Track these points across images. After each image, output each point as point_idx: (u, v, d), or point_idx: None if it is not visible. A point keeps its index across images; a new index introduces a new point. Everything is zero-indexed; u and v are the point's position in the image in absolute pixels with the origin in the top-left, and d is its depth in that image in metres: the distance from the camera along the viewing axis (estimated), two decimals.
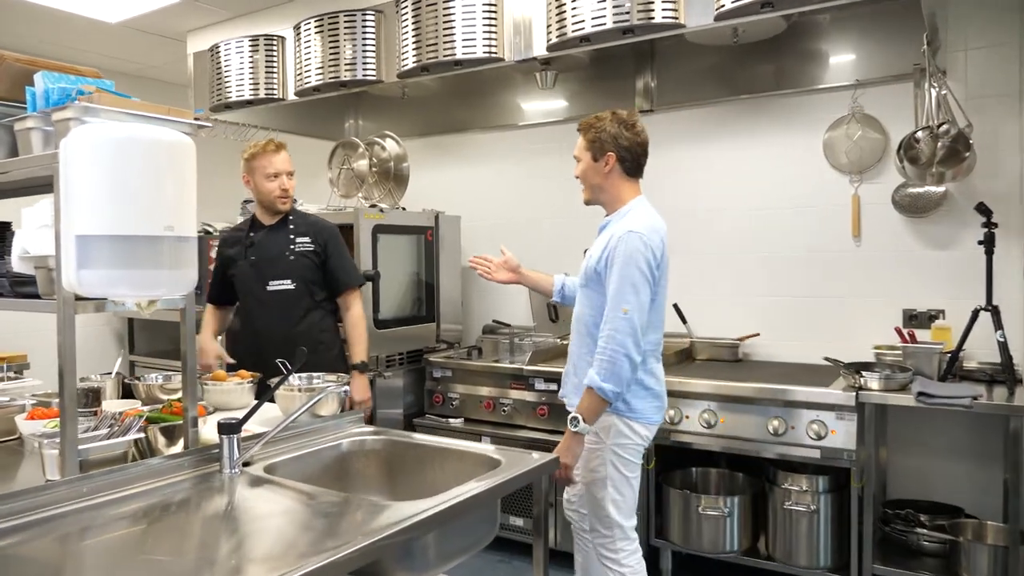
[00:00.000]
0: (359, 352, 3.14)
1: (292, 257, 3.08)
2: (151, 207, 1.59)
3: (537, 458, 1.94)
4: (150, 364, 4.83)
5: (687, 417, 3.11)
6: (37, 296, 1.78)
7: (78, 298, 1.64)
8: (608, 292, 2.35)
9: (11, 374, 2.94)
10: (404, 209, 3.97)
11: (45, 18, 3.99)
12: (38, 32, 4.32)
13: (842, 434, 2.84)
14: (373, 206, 3.77)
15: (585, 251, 2.59)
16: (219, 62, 3.89)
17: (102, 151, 1.53)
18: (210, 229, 4.48)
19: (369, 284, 3.58)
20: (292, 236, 3.11)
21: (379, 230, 3.68)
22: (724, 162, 3.75)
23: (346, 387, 2.20)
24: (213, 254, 4.30)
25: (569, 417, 2.36)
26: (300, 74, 3.63)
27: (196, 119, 1.92)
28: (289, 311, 3.08)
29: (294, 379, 2.43)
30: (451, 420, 3.77)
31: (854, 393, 2.82)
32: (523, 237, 4.23)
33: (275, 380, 2.16)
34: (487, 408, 3.66)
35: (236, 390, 2.48)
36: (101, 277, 1.54)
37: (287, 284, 3.07)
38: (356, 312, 3.17)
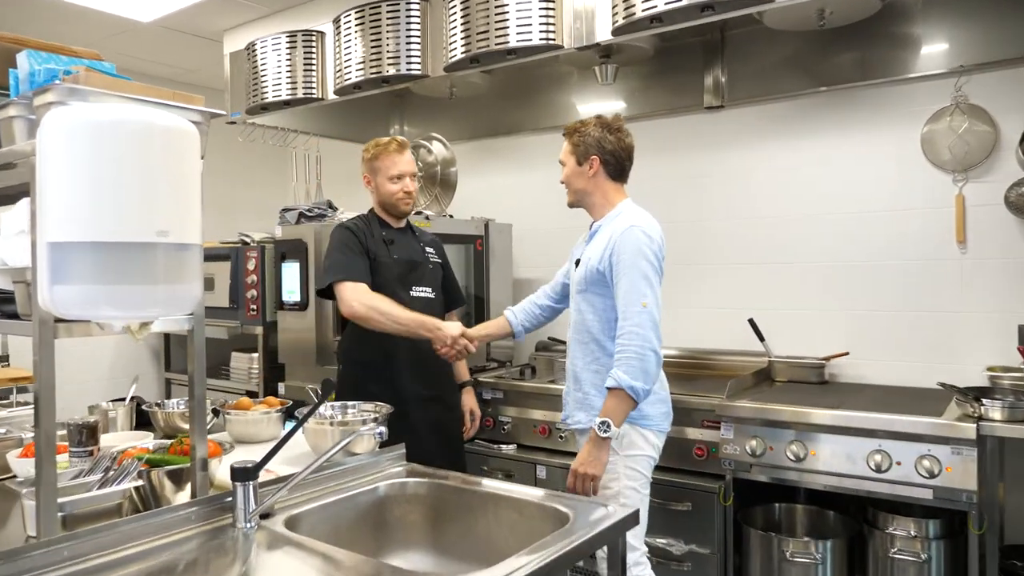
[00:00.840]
0: (465, 370, 3.17)
1: (430, 266, 2.98)
2: (141, 207, 1.26)
3: (613, 513, 1.58)
4: (186, 382, 4.58)
5: (770, 448, 2.70)
6: (17, 316, 1.48)
7: (60, 319, 1.34)
8: (618, 290, 2.30)
9: (21, 398, 2.67)
10: (451, 217, 3.66)
11: (74, 17, 3.78)
12: (67, 32, 4.12)
13: (959, 472, 2.41)
14: (418, 213, 3.46)
15: (577, 261, 2.52)
16: (255, 61, 3.62)
17: (79, 137, 1.22)
18: (248, 239, 4.22)
19: None
20: (422, 245, 3.00)
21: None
22: (805, 162, 3.35)
23: (382, 429, 1.86)
24: (250, 266, 4.03)
25: (598, 421, 2.24)
26: (340, 71, 3.34)
27: (211, 113, 1.58)
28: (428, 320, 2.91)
29: (325, 409, 2.11)
30: (502, 446, 3.42)
31: (974, 425, 2.40)
32: (575, 242, 3.88)
33: (304, 410, 1.83)
34: (542, 434, 3.30)
35: (262, 420, 2.18)
36: (78, 294, 1.23)
37: (428, 292, 2.95)
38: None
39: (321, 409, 2.01)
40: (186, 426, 2.31)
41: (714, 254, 3.53)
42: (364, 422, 1.99)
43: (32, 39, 1.67)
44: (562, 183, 2.53)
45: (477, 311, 3.73)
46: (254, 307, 4.02)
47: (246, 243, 4.19)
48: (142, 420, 2.37)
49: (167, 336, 4.79)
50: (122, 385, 4.85)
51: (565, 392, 2.56)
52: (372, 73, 3.18)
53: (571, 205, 2.56)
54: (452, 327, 2.73)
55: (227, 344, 4.25)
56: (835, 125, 3.27)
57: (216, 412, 2.20)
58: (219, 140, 5.49)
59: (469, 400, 3.16)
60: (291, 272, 3.65)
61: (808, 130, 3.34)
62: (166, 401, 2.47)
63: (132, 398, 2.38)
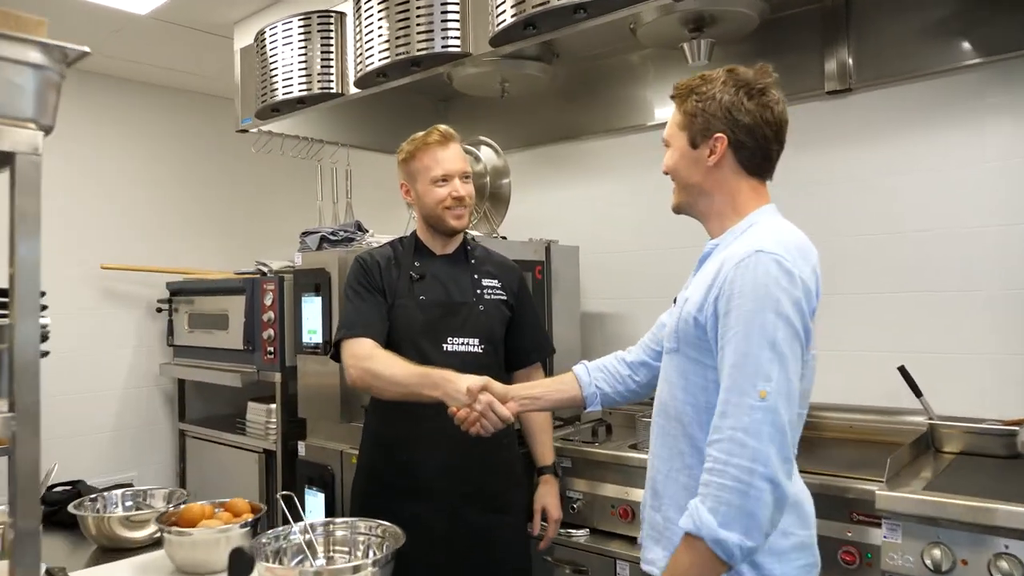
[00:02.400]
0: (548, 447, 2.39)
1: (482, 307, 2.18)
2: None
3: None
4: (202, 435, 3.92)
5: (964, 563, 1.85)
6: None
7: None
8: (724, 360, 1.39)
9: None
10: (505, 238, 2.92)
11: (71, 15, 3.18)
12: (63, 32, 3.54)
13: None
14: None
15: (674, 300, 1.65)
16: (264, 53, 2.96)
17: None
18: (265, 269, 3.55)
19: None
20: (477, 276, 2.22)
21: None
22: (968, 158, 2.50)
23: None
24: (267, 301, 3.36)
25: None
26: (361, 56, 2.63)
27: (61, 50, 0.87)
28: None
29: (298, 533, 1.35)
30: (572, 532, 2.62)
31: None
32: (661, 268, 3.09)
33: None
34: (623, 517, 2.49)
35: (216, 542, 1.43)
36: None
37: (472, 345, 2.14)
38: None
39: (295, 531, 1.26)
40: (127, 534, 1.60)
41: (844, 281, 2.69)
42: (357, 569, 1.23)
43: None
44: (665, 173, 1.65)
45: None
46: (271, 349, 3.35)
47: (263, 274, 3.52)
48: (68, 523, 1.67)
49: (181, 382, 4.15)
50: (135, 434, 4.22)
51: (641, 506, 1.69)
52: (399, 54, 2.45)
53: (677, 209, 1.67)
54: (467, 380, 1.85)
55: (242, 393, 3.58)
56: (1011, 106, 2.43)
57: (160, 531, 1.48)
58: (230, 152, 4.93)
59: (546, 495, 2.34)
60: (311, 308, 2.97)
61: (970, 115, 2.50)
62: (109, 495, 1.77)
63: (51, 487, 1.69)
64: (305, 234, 3.30)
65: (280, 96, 2.87)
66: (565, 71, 3.16)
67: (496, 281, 2.25)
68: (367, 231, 3.11)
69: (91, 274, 4.07)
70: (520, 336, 2.30)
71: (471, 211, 2.24)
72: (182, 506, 1.56)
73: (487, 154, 3.01)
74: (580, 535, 2.61)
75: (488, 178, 2.97)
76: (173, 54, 3.84)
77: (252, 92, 3.19)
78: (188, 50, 3.78)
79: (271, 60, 2.93)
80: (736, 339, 1.37)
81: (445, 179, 2.15)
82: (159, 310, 4.20)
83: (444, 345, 2.11)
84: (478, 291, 2.19)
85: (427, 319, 2.12)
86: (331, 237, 3.02)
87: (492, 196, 2.99)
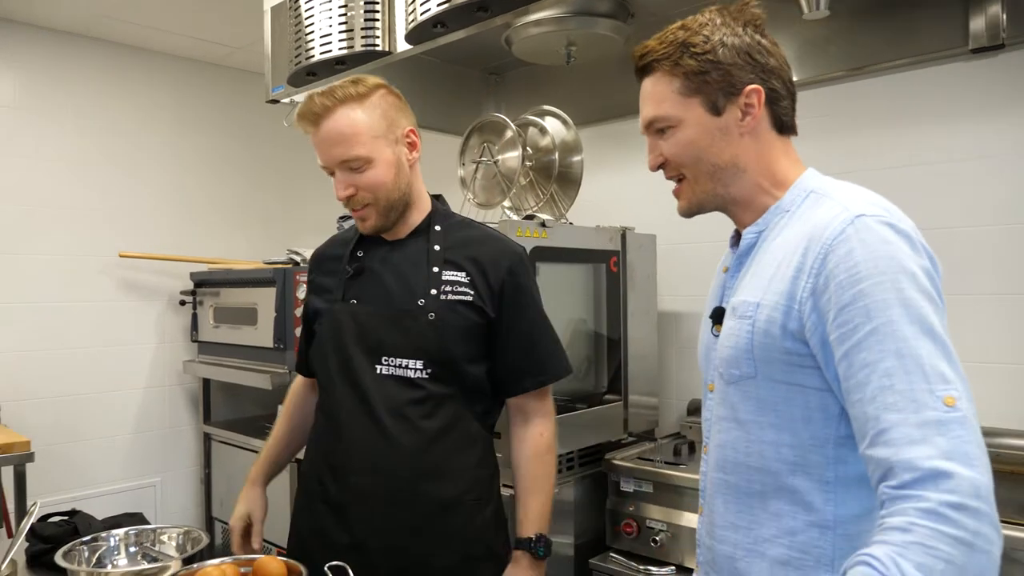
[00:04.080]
0: (535, 513, 1.60)
1: (432, 315, 1.54)
2: None
3: None
4: (228, 440, 3.56)
5: None
6: None
7: None
8: (853, 369, 0.98)
9: None
10: (572, 224, 2.51)
11: None
12: (97, 4, 3.20)
13: None
14: (529, 218, 2.31)
15: (716, 314, 1.24)
16: (298, 7, 2.56)
17: None
18: (298, 258, 3.17)
19: None
20: (436, 269, 1.57)
21: (539, 255, 2.21)
22: None
23: None
24: (300, 294, 2.99)
25: None
26: (415, 3, 2.21)
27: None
28: (413, 423, 1.53)
29: None
30: (653, 570, 2.21)
31: None
32: None
33: None
34: None
35: None
36: None
37: (413, 369, 1.54)
38: (543, 433, 1.63)
39: None
40: None
41: (983, 279, 2.23)
42: None
43: None
44: (662, 167, 1.23)
45: (610, 358, 2.54)
46: None
47: (296, 263, 3.14)
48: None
49: (206, 381, 3.79)
50: (156, 437, 3.88)
51: None
52: None
53: (696, 209, 1.23)
54: (247, 502, 1.73)
55: (271, 395, 3.22)
56: None
57: None
58: (260, 130, 4.43)
59: None
60: None
61: None
62: (110, 536, 1.40)
63: (34, 533, 1.31)
64: (343, 219, 2.92)
65: (317, 56, 2.46)
66: (641, 33, 2.73)
67: (462, 274, 1.57)
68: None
69: (109, 263, 3.72)
70: (505, 352, 1.60)
71: (387, 206, 1.56)
72: (196, 568, 1.17)
73: (554, 126, 2.59)
74: (664, 573, 2.20)
75: (556, 154, 2.55)
76: (199, 20, 3.47)
77: (284, 56, 2.79)
78: (215, 16, 3.41)
79: (307, 15, 2.52)
80: (873, 335, 0.97)
81: (329, 172, 1.58)
82: (183, 303, 3.84)
83: (378, 367, 1.54)
84: (433, 291, 1.55)
85: (359, 331, 1.57)
86: None
87: (560, 176, 2.56)
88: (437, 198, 1.71)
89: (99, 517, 1.76)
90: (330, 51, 2.42)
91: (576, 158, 2.57)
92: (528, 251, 2.14)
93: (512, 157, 2.47)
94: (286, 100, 2.95)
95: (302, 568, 1.19)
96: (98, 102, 3.72)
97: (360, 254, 1.65)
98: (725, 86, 1.15)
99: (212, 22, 3.49)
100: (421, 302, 1.54)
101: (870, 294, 0.98)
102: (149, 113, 3.86)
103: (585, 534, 2.39)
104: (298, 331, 2.97)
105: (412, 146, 1.61)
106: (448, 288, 1.55)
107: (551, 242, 2.26)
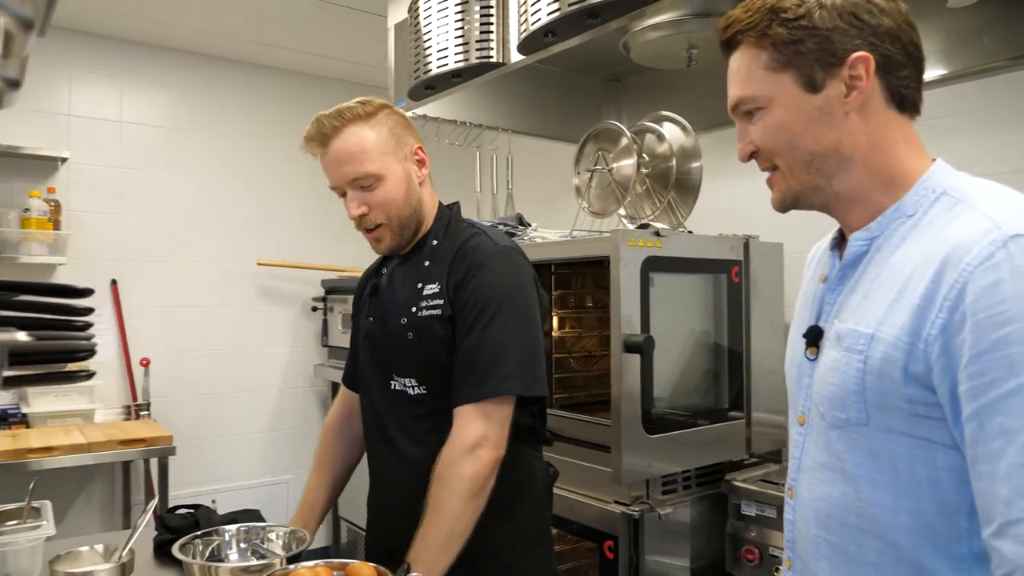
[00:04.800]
0: (420, 541, 1.33)
1: (411, 334, 1.51)
2: None
3: None
4: None
5: None
6: None
7: None
8: (1005, 428, 0.79)
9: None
10: (690, 232, 2.40)
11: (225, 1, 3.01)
12: (218, 21, 3.41)
13: None
14: (644, 226, 2.24)
15: (811, 336, 1.05)
16: (418, 23, 2.60)
17: None
18: None
19: (636, 357, 2.04)
20: (421, 284, 1.53)
21: (653, 265, 2.13)
22: None
23: None
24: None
25: None
26: (525, 11, 2.19)
27: None
28: (419, 437, 1.51)
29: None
30: None
31: None
32: None
33: None
34: None
35: None
36: None
37: (410, 386, 1.53)
38: (463, 453, 1.37)
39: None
40: None
41: None
42: None
43: None
44: (751, 157, 1.06)
45: (732, 376, 2.41)
46: None
47: None
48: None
49: (335, 384, 3.94)
50: (283, 440, 4.06)
51: None
52: (571, 3, 1.98)
53: (790, 202, 1.06)
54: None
55: None
56: None
57: None
58: None
59: None
60: None
61: None
62: (225, 531, 1.45)
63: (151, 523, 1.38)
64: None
65: (434, 70, 2.50)
66: None
67: (435, 285, 1.51)
68: (529, 225, 2.70)
69: (248, 271, 3.95)
70: (457, 357, 1.47)
71: (400, 224, 1.53)
72: (291, 569, 1.19)
73: (672, 132, 2.50)
74: None
75: (673, 161, 2.45)
76: (328, 40, 3.63)
77: (406, 71, 2.86)
78: (341, 34, 3.55)
79: (425, 31, 2.57)
80: (1015, 396, 0.80)
81: (340, 193, 1.56)
82: (314, 309, 4.02)
83: (391, 382, 1.56)
84: (413, 308, 1.52)
85: (372, 349, 1.61)
86: None
87: (678, 183, 2.47)
88: (450, 208, 1.67)
89: (235, 510, 1.85)
90: (447, 64, 2.45)
91: (695, 164, 2.47)
92: (641, 261, 2.09)
93: (627, 165, 2.40)
94: (408, 113, 3.01)
95: (390, 574, 1.18)
96: (245, 121, 3.97)
97: (384, 271, 1.67)
98: (823, 56, 0.96)
99: (338, 40, 3.64)
100: (404, 320, 1.53)
101: (1017, 342, 0.80)
102: (288, 128, 4.08)
103: (701, 557, 2.27)
104: None
105: (421, 163, 1.60)
106: (424, 303, 1.52)
107: (666, 251, 2.17)
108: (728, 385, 2.42)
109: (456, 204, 1.69)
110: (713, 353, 2.44)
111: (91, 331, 0.89)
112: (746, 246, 2.44)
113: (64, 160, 3.52)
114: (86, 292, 0.91)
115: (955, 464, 0.87)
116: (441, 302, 1.49)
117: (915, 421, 0.89)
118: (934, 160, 1.01)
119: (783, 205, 1.07)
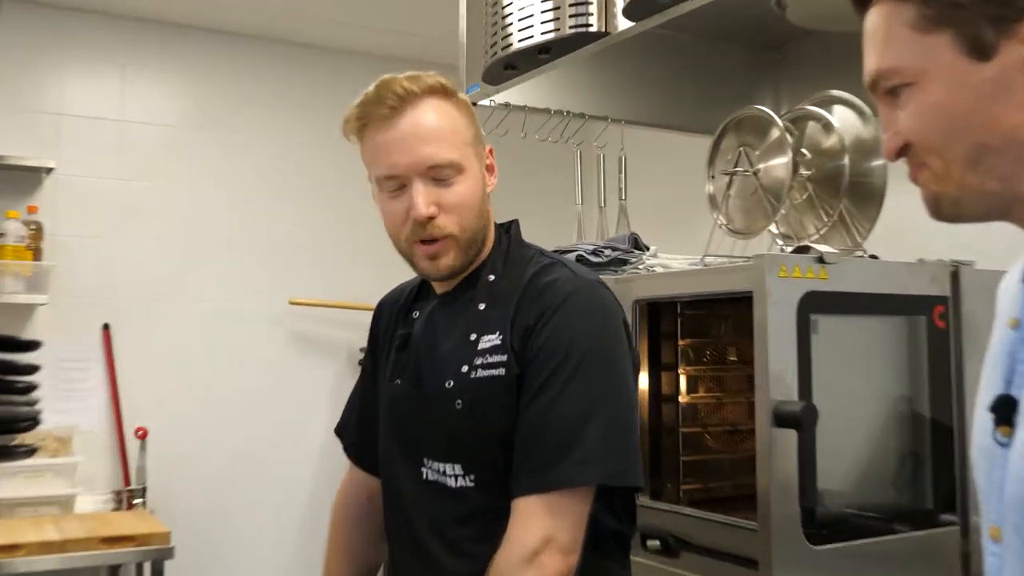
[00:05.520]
0: None
1: (459, 403, 1.49)
2: None
3: None
4: None
5: None
6: None
7: None
8: None
9: None
10: (875, 258, 2.36)
11: None
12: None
13: None
14: (802, 249, 2.20)
15: (993, 409, 1.01)
16: None
17: None
18: None
19: (791, 433, 2.00)
20: (474, 336, 1.52)
21: (815, 304, 2.09)
22: None
23: None
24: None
25: None
26: None
27: None
28: (461, 548, 1.50)
29: None
30: None
31: None
32: None
33: None
34: None
35: None
36: None
37: (452, 476, 1.50)
38: (520, 554, 1.37)
39: None
40: None
41: None
42: None
43: None
44: (902, 151, 1.01)
45: (936, 459, 2.32)
46: None
47: None
48: None
49: None
50: (316, 557, 4.13)
51: None
52: None
53: (941, 212, 1.01)
54: None
55: None
56: None
57: None
58: None
59: None
60: None
61: None
62: None
63: None
64: (557, 253, 2.99)
65: (516, 44, 2.60)
66: None
67: (495, 335, 1.49)
68: (646, 248, 2.73)
69: (277, 312, 4.08)
70: (517, 430, 1.46)
71: (470, 239, 1.55)
72: None
73: (845, 118, 2.47)
74: None
75: (846, 159, 2.41)
76: (394, 15, 3.79)
77: (480, 49, 2.95)
78: (412, 9, 3.71)
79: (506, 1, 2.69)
80: None
81: (401, 185, 1.52)
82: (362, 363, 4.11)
83: (423, 470, 1.53)
84: (464, 367, 1.50)
85: (399, 426, 1.61)
86: (591, 258, 2.68)
87: (854, 188, 2.43)
88: (507, 230, 1.68)
89: None
90: (531, 36, 2.53)
91: (877, 163, 2.43)
92: (798, 299, 2.05)
93: (779, 165, 2.39)
94: (484, 101, 3.08)
95: None
96: (276, 114, 4.17)
97: (415, 315, 1.67)
98: (994, 7, 0.92)
99: (401, 13, 3.80)
100: (449, 383, 1.51)
101: None
102: (333, 120, 4.23)
103: None
104: None
105: (491, 169, 1.63)
106: (480, 361, 1.49)
107: (835, 284, 2.13)
108: (932, 476, 2.34)
109: (515, 223, 1.71)
110: (908, 429, 2.37)
111: (35, 395, 0.92)
112: (955, 276, 2.37)
113: (49, 171, 3.76)
114: (31, 345, 0.95)
115: None
116: (504, 358, 1.47)
117: None
118: None
119: (938, 212, 1.01)
